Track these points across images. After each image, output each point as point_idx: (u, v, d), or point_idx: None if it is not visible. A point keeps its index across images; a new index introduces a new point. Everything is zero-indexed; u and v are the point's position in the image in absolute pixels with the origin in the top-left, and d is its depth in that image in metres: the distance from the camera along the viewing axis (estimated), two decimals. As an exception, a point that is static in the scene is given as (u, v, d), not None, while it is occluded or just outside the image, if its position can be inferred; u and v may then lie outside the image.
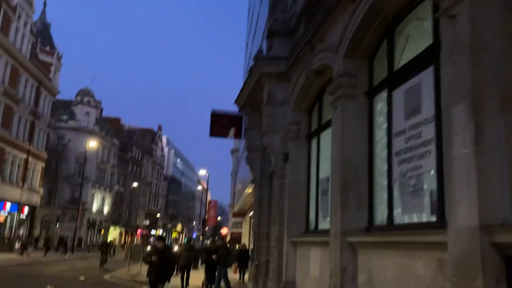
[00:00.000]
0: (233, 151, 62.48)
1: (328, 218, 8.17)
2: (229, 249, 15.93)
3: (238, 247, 26.83)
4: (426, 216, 5.18)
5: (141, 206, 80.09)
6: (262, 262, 11.85)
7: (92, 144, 47.06)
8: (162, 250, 9.70)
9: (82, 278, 18.11)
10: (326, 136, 8.82)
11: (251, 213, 27.42)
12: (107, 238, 33.64)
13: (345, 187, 6.70)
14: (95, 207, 61.69)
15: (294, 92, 9.80)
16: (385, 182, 6.24)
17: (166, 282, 9.79)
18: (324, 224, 8.47)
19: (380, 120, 6.61)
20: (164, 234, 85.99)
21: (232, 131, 12.67)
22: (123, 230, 70.77)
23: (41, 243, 40.06)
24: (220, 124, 12.38)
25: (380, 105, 6.64)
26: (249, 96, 12.00)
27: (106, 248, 25.07)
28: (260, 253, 12.06)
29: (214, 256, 14.12)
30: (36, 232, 44.75)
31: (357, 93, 6.94)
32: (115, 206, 68.83)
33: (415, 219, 5.43)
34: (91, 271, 21.79)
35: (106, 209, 65.69)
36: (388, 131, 6.24)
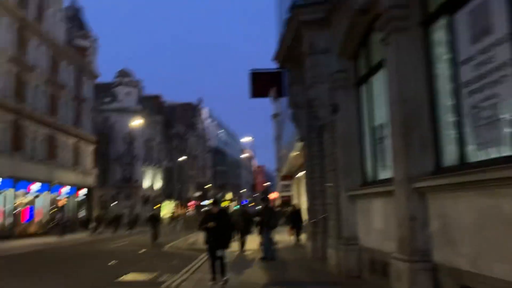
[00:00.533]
0: (274, 116, 62.23)
1: (388, 166, 7.66)
2: (272, 210, 14.85)
3: (289, 209, 26.20)
4: (507, 149, 4.58)
5: (190, 179, 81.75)
6: (319, 220, 11.53)
7: (136, 122, 47.61)
8: (218, 215, 8.96)
9: (142, 250, 18.54)
10: (377, 80, 8.18)
11: (299, 174, 27.08)
12: (157, 211, 28.56)
13: (407, 130, 6.12)
14: (146, 183, 63.45)
15: (337, 37, 9.13)
16: (452, 119, 5.62)
17: (225, 249, 9.05)
18: (384, 173, 7.94)
19: (440, 50, 5.92)
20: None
21: (273, 90, 12.17)
22: (177, 203, 72.64)
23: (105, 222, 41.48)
24: (260, 84, 11.90)
25: (439, 34, 5.93)
26: (289, 50, 11.40)
27: (155, 221, 22.29)
28: (316, 212, 11.73)
29: (256, 218, 13.46)
30: (95, 212, 46.62)
31: (411, 25, 6.24)
32: (165, 181, 70.58)
33: (493, 154, 4.83)
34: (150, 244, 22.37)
35: (157, 185, 67.49)
36: (451, 61, 5.57)
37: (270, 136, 63.61)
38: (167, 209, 69.09)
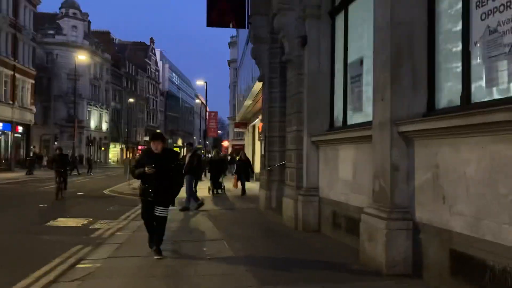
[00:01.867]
0: (230, 62, 59.99)
1: (364, 109, 6.61)
2: (200, 157, 13.03)
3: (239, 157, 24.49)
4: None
5: (140, 123, 79.12)
6: (275, 167, 10.52)
7: (82, 58, 44.21)
8: (161, 156, 5.96)
9: (80, 193, 17.07)
10: (357, 8, 6.96)
11: (254, 122, 26.00)
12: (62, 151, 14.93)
13: (396, 61, 5.00)
14: (92, 124, 60.61)
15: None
16: (456, 48, 4.53)
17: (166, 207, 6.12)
18: (356, 118, 6.90)
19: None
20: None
21: (232, 19, 10.68)
22: (123, 146, 70.23)
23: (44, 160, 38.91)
24: (219, 11, 10.37)
25: None
26: (253, -28, 9.88)
27: (62, 165, 14.67)
28: (272, 159, 10.70)
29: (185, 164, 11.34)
30: (36, 151, 43.81)
31: None
32: (113, 123, 67.78)
33: (510, 92, 3.81)
34: (90, 186, 20.84)
35: (104, 126, 64.66)
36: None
37: (224, 84, 61.68)
38: (113, 152, 66.78)
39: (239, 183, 17.08)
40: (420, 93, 4.92)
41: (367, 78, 6.41)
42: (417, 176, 4.82)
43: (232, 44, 54.82)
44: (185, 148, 8.23)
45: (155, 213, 5.97)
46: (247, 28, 11.01)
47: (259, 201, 11.50)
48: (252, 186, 21.06)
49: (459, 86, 4.42)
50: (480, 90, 4.18)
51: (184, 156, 11.81)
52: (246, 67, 23.68)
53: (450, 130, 4.20)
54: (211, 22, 10.39)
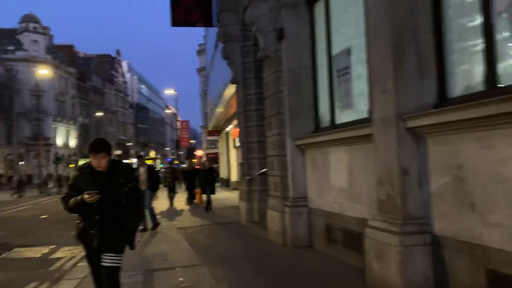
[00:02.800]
0: (200, 70, 58.87)
1: (354, 105, 5.80)
2: (154, 170, 11.16)
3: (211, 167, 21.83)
4: None
5: (109, 137, 76.89)
6: (256, 176, 9.62)
7: (44, 72, 42.31)
8: (108, 174, 3.82)
9: (44, 216, 15.75)
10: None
11: (228, 128, 25.03)
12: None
13: (398, 45, 4.19)
14: (60, 141, 58.40)
15: None
16: (473, 22, 3.75)
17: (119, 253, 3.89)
18: (346, 116, 6.08)
19: None
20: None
21: (199, 18, 9.76)
22: (94, 162, 67.93)
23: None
24: (184, 8, 9.43)
25: None
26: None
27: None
28: (252, 167, 9.79)
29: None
30: (1, 172, 41.60)
31: None
32: (81, 138, 65.59)
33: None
34: (56, 207, 19.43)
35: (72, 143, 62.44)
36: None
37: (194, 93, 60.58)
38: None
39: (204, 196, 15.23)
40: (429, 80, 4.12)
41: (358, 70, 5.60)
42: (433, 180, 4.00)
43: (200, 52, 53.94)
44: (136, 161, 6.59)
45: (102, 263, 3.78)
46: (216, 26, 10.10)
47: (240, 214, 10.54)
48: (228, 196, 20.11)
49: (479, 68, 3.63)
50: (508, 71, 3.40)
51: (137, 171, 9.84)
52: (216, 71, 22.74)
53: (477, 121, 3.40)
54: (176, 21, 9.43)
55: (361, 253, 4.96)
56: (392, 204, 4.25)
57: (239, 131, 10.55)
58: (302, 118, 7.07)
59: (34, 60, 53.26)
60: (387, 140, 4.31)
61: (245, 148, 9.89)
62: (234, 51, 9.78)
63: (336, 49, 6.31)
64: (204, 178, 14.87)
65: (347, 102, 6.06)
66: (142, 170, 10.14)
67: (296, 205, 7.05)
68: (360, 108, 5.60)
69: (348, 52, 5.92)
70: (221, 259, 6.72)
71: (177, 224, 11.04)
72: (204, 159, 25.74)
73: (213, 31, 17.44)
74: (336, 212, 6.04)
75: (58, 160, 44.17)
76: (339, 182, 5.96)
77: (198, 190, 16.45)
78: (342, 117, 6.22)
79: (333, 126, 6.35)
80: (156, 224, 10.26)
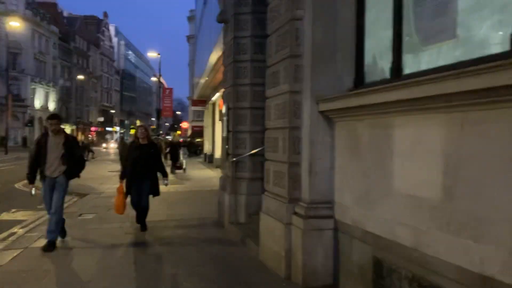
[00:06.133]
0: (189, 38, 54.85)
1: (454, 35, 2.76)
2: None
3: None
4: None
5: (93, 102, 73.08)
6: (245, 159, 6.60)
7: (17, 25, 38.20)
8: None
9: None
10: None
11: (214, 97, 21.81)
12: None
13: None
14: (37, 103, 54.52)
15: None
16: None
17: None
18: (430, 59, 3.05)
19: None
20: (123, 130, 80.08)
21: None
22: (74, 128, 64.30)
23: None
24: None
25: None
26: None
27: None
28: (240, 144, 6.76)
29: None
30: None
31: None
32: (62, 102, 61.76)
33: None
34: (7, 177, 16.22)
35: (52, 106, 58.54)
36: None
37: (185, 62, 56.78)
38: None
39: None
40: None
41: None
42: None
43: (191, 19, 50.05)
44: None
45: None
46: None
47: (219, 209, 7.49)
48: (210, 175, 17.14)
49: None
50: None
51: None
52: (205, 34, 19.59)
53: None
54: None
55: None
56: None
57: (224, 92, 7.47)
58: (333, 64, 4.04)
59: (12, 15, 48.87)
60: None
61: (231, 116, 6.80)
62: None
63: None
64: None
65: (440, 28, 3.02)
66: None
67: (314, 215, 4.08)
68: (478, 37, 2.60)
69: None
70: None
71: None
72: (205, 134, 25.10)
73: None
74: (402, 243, 3.08)
75: (30, 123, 40.56)
76: (416, 186, 2.96)
77: None
78: (422, 61, 3.19)
79: (398, 77, 3.32)
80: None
